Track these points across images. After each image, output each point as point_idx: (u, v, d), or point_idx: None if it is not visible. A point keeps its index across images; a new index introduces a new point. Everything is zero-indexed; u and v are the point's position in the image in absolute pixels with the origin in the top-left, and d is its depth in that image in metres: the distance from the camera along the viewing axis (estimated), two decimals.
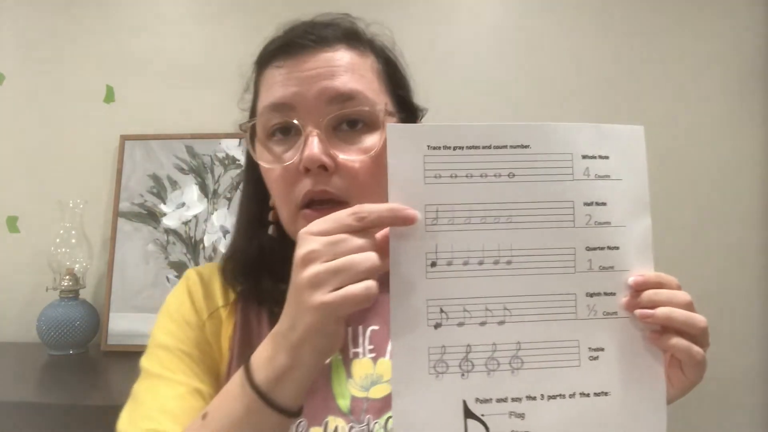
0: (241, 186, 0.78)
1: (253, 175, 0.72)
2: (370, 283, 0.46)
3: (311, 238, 0.48)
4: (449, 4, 1.63)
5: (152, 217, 1.59)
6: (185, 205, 1.59)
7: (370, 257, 0.47)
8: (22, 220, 1.69)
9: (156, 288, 1.55)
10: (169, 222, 1.58)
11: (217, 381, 0.67)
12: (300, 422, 0.62)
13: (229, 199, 1.59)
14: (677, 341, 0.51)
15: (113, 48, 1.70)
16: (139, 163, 1.62)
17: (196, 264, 1.56)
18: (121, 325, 1.52)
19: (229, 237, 1.55)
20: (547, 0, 1.62)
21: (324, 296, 0.45)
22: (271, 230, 0.71)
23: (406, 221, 0.49)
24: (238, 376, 0.52)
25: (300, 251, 0.48)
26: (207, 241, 1.57)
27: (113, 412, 1.12)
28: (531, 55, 1.62)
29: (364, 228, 0.48)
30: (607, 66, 1.60)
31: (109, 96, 1.69)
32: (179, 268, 1.56)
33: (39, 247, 1.60)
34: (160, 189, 1.61)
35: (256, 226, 0.72)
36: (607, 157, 0.53)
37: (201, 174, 1.61)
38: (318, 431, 0.62)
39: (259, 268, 0.71)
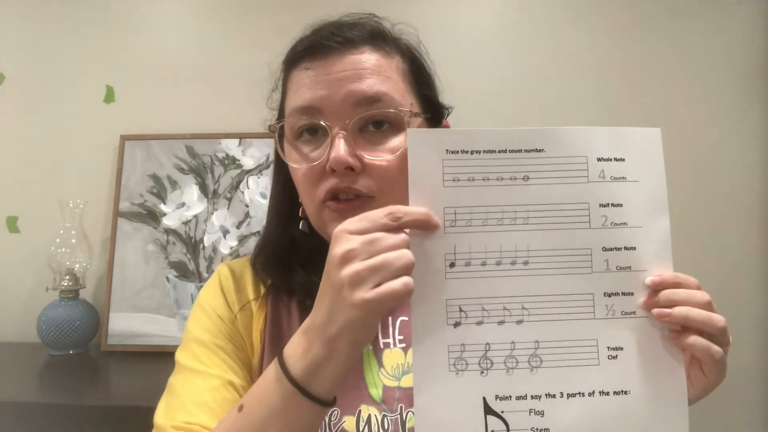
0: (271, 182, 0.80)
1: (282, 171, 0.74)
2: (408, 280, 0.48)
3: (348, 236, 0.49)
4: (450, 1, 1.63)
5: (152, 217, 1.59)
6: (185, 205, 1.59)
7: (406, 254, 0.49)
8: (22, 220, 1.69)
9: (156, 288, 1.55)
10: (169, 222, 1.58)
11: (250, 373, 0.68)
12: (333, 411, 0.64)
13: (229, 199, 1.59)
14: (696, 340, 0.52)
15: (113, 48, 1.69)
16: (139, 163, 1.62)
17: (196, 264, 1.56)
18: (121, 325, 1.52)
19: (228, 237, 1.56)
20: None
21: (366, 293, 0.47)
22: (301, 225, 0.72)
23: (435, 227, 0.52)
24: (272, 370, 0.53)
25: (338, 249, 0.49)
26: (207, 241, 1.57)
27: (113, 412, 1.13)
28: (529, 54, 1.63)
29: (398, 228, 0.50)
30: (608, 65, 1.60)
31: (109, 96, 1.69)
32: (179, 268, 1.56)
33: (39, 247, 1.60)
34: (160, 189, 1.61)
35: (287, 221, 0.74)
36: (623, 160, 0.54)
37: (201, 174, 1.61)
38: (351, 420, 0.64)
39: (291, 260, 0.73)
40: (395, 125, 0.66)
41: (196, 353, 0.67)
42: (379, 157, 0.64)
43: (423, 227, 0.51)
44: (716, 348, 0.52)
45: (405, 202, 0.66)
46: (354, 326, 0.48)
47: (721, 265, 1.55)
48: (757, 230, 1.56)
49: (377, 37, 0.69)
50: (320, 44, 0.66)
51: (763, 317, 1.55)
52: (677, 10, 1.59)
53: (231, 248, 1.56)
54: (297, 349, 0.52)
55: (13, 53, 1.71)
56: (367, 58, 0.66)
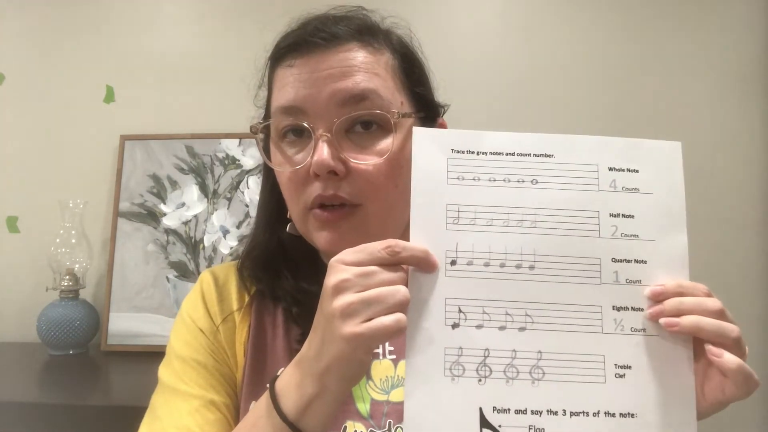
0: (259, 183, 0.77)
1: (270, 172, 0.70)
2: (401, 317, 0.46)
3: (343, 267, 0.48)
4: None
5: (152, 217, 1.59)
6: (185, 205, 1.59)
7: (401, 291, 0.47)
8: (22, 220, 1.69)
9: (156, 288, 1.54)
10: (169, 222, 1.58)
11: (234, 388, 0.66)
12: None
13: (229, 199, 1.59)
14: (729, 357, 0.48)
15: (113, 48, 1.69)
16: (139, 163, 1.62)
17: (196, 264, 1.56)
18: (121, 325, 1.52)
19: (228, 237, 1.56)
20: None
21: (356, 327, 0.45)
22: (289, 227, 0.69)
23: (433, 267, 0.49)
24: (263, 404, 0.52)
25: (331, 279, 0.47)
26: (207, 241, 1.57)
27: (113, 412, 1.13)
28: (529, 51, 1.62)
29: (395, 263, 0.48)
30: (606, 64, 1.60)
31: (109, 96, 1.69)
32: (179, 268, 1.56)
33: (39, 247, 1.60)
34: (160, 189, 1.60)
35: (275, 223, 0.72)
36: (636, 171, 0.53)
37: (201, 174, 1.61)
38: None
39: (279, 265, 0.70)
40: (384, 126, 0.62)
41: (176, 370, 0.66)
42: (366, 160, 0.61)
43: (420, 265, 0.49)
44: (732, 358, 0.48)
45: (394, 210, 0.63)
46: (342, 361, 0.47)
47: (720, 266, 1.54)
48: (757, 231, 1.56)
49: (365, 32, 0.65)
50: (305, 41, 0.63)
51: (764, 320, 1.55)
52: (677, 10, 1.58)
53: (231, 248, 1.56)
54: (290, 382, 0.51)
55: (13, 53, 1.70)
56: (354, 55, 0.63)
